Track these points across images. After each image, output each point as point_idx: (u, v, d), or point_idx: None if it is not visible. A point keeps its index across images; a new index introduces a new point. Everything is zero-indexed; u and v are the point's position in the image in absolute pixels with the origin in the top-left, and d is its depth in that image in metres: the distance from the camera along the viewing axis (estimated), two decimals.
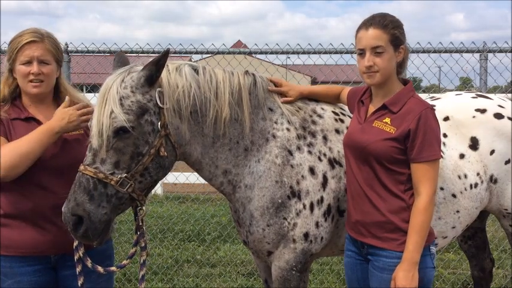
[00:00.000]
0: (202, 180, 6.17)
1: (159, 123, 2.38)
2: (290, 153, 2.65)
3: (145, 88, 2.37)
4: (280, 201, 2.60)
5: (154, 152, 2.36)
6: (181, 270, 5.45)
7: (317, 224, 2.64)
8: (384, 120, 2.37)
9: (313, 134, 2.73)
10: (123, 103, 2.31)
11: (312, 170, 2.65)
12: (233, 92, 2.60)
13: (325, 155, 2.70)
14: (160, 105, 2.38)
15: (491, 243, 5.72)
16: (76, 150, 2.54)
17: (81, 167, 2.30)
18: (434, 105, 3.07)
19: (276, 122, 2.70)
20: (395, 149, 2.32)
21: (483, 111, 3.09)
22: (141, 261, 2.54)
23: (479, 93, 3.42)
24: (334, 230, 2.75)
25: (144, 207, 2.49)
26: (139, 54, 5.02)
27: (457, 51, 4.90)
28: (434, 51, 4.84)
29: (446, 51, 4.87)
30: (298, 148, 2.67)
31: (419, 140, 2.28)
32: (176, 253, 5.92)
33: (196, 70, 2.56)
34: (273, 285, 2.77)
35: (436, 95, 3.44)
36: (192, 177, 6.40)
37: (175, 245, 6.21)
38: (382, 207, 2.36)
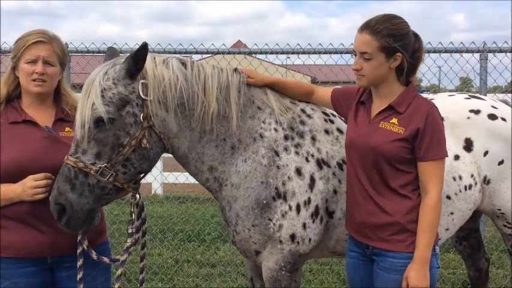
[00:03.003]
0: None
1: (142, 115, 2.39)
2: (276, 154, 2.64)
3: (127, 80, 2.38)
4: (265, 202, 2.59)
5: (136, 143, 2.38)
6: (181, 270, 5.45)
7: (304, 226, 2.63)
8: (391, 121, 2.36)
9: (301, 135, 2.71)
10: (104, 95, 2.33)
11: (298, 171, 2.63)
12: (221, 88, 2.59)
13: (313, 155, 2.68)
14: (144, 97, 2.39)
15: (491, 243, 5.74)
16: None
17: (65, 157, 2.34)
18: None
19: (263, 122, 2.69)
20: (405, 149, 2.31)
21: (477, 112, 3.09)
22: (125, 247, 2.59)
23: (471, 93, 3.42)
24: (324, 232, 2.74)
25: (137, 195, 2.56)
26: None
27: (457, 51, 4.89)
28: (434, 51, 4.84)
29: (446, 51, 4.86)
30: (285, 149, 2.65)
31: (427, 138, 2.29)
32: (176, 253, 5.92)
33: (184, 64, 2.57)
34: (265, 285, 2.76)
35: (429, 96, 3.43)
36: (192, 177, 6.40)
37: (175, 245, 6.21)
38: (389, 208, 2.35)
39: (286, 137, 2.68)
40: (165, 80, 2.45)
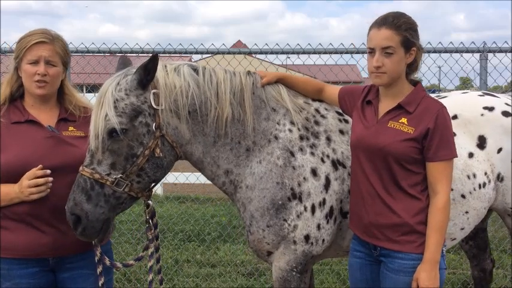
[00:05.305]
0: (202, 180, 6.12)
1: (154, 124, 2.41)
2: (292, 154, 2.63)
3: (139, 90, 2.41)
4: (280, 202, 2.59)
5: (149, 153, 2.41)
6: (181, 270, 5.44)
7: (318, 226, 2.62)
8: (400, 121, 2.35)
9: (316, 135, 2.70)
10: (117, 106, 2.36)
11: (314, 172, 2.62)
12: (235, 92, 2.60)
13: (328, 156, 2.67)
14: (155, 107, 2.41)
15: (491, 243, 5.73)
16: (73, 150, 2.53)
17: (80, 168, 2.37)
18: None
19: (278, 123, 2.68)
20: (414, 149, 2.31)
21: (491, 109, 3.06)
22: (149, 253, 2.65)
23: (485, 91, 3.40)
24: (337, 232, 2.74)
25: (150, 202, 2.59)
26: (139, 54, 5.01)
27: (457, 51, 4.89)
28: (434, 51, 4.83)
29: (446, 51, 4.86)
30: (301, 149, 2.65)
31: (437, 139, 2.28)
32: (176, 253, 5.92)
33: (196, 70, 2.58)
34: (274, 286, 2.76)
35: (442, 94, 3.39)
36: (192, 177, 6.39)
37: (175, 245, 6.21)
38: (398, 208, 2.34)
39: (301, 138, 2.67)
40: (176, 88, 2.47)
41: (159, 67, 2.44)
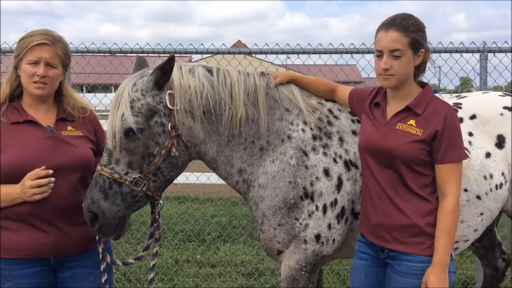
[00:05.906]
0: (202, 180, 6.09)
1: (170, 124, 2.46)
2: (305, 154, 2.66)
3: (155, 91, 2.46)
4: (292, 201, 2.61)
5: (165, 152, 2.46)
6: (181, 270, 5.45)
7: (329, 226, 2.63)
8: (408, 123, 2.34)
9: (329, 135, 2.72)
10: (133, 106, 2.42)
11: (326, 172, 2.64)
12: (249, 93, 2.64)
13: (340, 157, 2.69)
14: (170, 107, 2.47)
15: None
16: (72, 150, 2.54)
17: (98, 167, 2.43)
18: (461, 104, 3.03)
19: (291, 123, 2.71)
20: (423, 151, 2.29)
21: (511, 108, 3.03)
22: (154, 251, 2.67)
23: (506, 92, 3.37)
24: (349, 232, 2.74)
25: (161, 201, 2.62)
26: (139, 54, 5.01)
27: (457, 51, 4.88)
28: (434, 51, 4.82)
29: (446, 51, 4.85)
30: (314, 149, 2.67)
31: (446, 140, 2.27)
32: (176, 253, 5.93)
33: (210, 71, 2.63)
34: (282, 285, 2.77)
35: (462, 94, 3.38)
36: (192, 177, 6.38)
37: (175, 245, 6.22)
38: (407, 209, 2.32)
39: (314, 137, 2.69)
40: (191, 88, 2.52)
41: (175, 68, 2.49)
